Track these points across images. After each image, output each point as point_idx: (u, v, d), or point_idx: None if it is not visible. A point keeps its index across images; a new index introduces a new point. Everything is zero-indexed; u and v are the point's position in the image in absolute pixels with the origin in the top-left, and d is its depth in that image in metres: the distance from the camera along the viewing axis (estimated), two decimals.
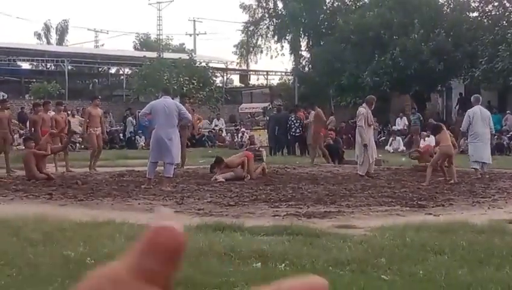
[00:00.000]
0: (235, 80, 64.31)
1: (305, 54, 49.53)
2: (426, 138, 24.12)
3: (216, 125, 41.31)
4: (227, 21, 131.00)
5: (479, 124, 18.44)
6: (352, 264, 6.85)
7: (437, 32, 37.56)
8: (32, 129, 20.92)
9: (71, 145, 27.13)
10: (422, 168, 18.34)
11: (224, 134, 40.16)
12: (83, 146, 31.03)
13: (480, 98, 19.80)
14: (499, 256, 7.26)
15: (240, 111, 46.30)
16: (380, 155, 27.29)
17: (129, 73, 52.29)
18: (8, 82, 49.80)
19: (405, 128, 37.89)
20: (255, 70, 61.89)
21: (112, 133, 36.27)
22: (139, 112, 24.40)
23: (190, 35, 67.97)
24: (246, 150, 25.35)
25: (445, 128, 17.69)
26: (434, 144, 18.47)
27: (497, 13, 38.08)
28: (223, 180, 16.67)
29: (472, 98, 19.52)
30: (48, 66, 54.69)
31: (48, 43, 77.02)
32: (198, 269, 6.53)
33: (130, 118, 38.72)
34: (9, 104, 21.71)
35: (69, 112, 27.04)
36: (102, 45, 75.23)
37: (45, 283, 5.97)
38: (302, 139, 30.27)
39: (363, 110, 18.63)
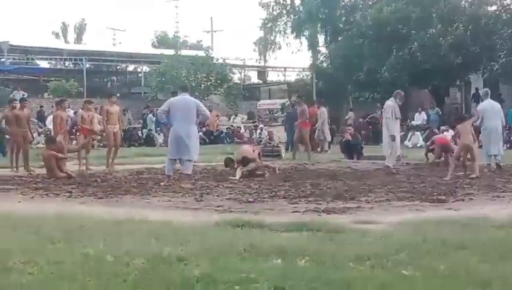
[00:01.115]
0: (253, 77, 64.32)
1: (323, 49, 49.42)
2: (445, 132, 23.99)
3: (234, 123, 41.32)
4: (245, 18, 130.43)
5: (491, 117, 18.58)
6: (372, 260, 6.82)
7: (455, 27, 37.40)
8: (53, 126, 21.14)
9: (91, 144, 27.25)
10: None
11: (242, 131, 40.15)
12: (101, 144, 31.14)
13: (489, 91, 19.86)
14: None
15: (258, 107, 46.28)
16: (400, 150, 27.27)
17: (147, 71, 52.42)
18: (27, 81, 50.06)
19: (424, 123, 37.76)
20: (273, 67, 61.85)
21: (130, 131, 36.35)
22: (157, 110, 24.48)
23: (207, 32, 68.10)
24: (263, 147, 25.40)
25: (468, 120, 17.66)
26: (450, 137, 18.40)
27: None
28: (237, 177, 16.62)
29: (481, 92, 19.59)
30: (66, 65, 54.93)
31: (66, 42, 77.34)
32: (218, 266, 6.53)
33: (150, 116, 38.76)
34: (27, 103, 21.77)
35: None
36: (120, 43, 75.44)
37: (66, 281, 5.99)
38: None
39: (390, 103, 18.81)
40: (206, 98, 43.51)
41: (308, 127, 25.13)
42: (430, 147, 21.12)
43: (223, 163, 18.45)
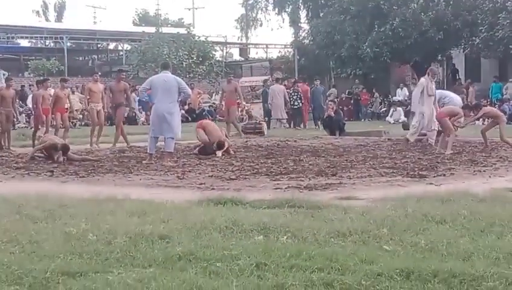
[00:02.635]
0: (235, 54, 64.15)
1: (304, 26, 49.33)
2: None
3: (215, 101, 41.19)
4: None
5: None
6: (354, 235, 6.86)
7: (436, 2, 37.43)
8: (34, 106, 21.07)
9: (71, 122, 27.12)
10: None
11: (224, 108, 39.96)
12: (83, 123, 31.04)
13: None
14: (501, 224, 7.27)
15: (239, 85, 46.15)
16: (381, 126, 27.38)
17: (128, 49, 52.17)
18: (7, 60, 49.72)
19: (406, 99, 37.81)
20: (255, 44, 61.71)
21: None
22: (139, 88, 24.39)
23: (189, 9, 67.79)
24: (245, 124, 25.39)
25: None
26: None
27: None
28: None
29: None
30: (47, 43, 54.58)
31: (47, 20, 76.80)
32: (200, 243, 6.55)
33: (134, 94, 38.53)
34: (12, 83, 21.65)
35: (69, 89, 26.96)
36: (101, 21, 74.98)
37: (48, 260, 5.98)
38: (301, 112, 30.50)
39: (423, 80, 18.86)
40: (188, 75, 43.35)
41: (235, 105, 25.25)
42: None
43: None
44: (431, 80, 18.90)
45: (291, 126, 30.02)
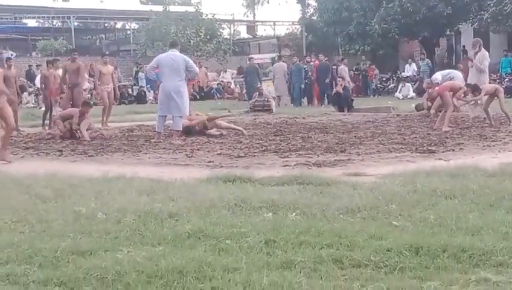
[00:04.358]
0: (243, 32, 63.95)
1: (312, 2, 49.09)
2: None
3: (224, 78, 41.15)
4: None
5: None
6: (362, 211, 6.86)
7: None
8: (43, 86, 21.11)
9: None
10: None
11: (233, 86, 39.98)
12: (92, 102, 31.03)
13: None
14: (510, 199, 7.25)
15: (247, 62, 46.06)
16: (389, 102, 27.31)
17: (135, 28, 52.03)
18: (15, 40, 49.63)
19: (414, 74, 37.68)
20: (262, 21, 61.52)
21: (120, 89, 36.22)
22: (146, 67, 24.35)
23: None
24: (254, 101, 25.35)
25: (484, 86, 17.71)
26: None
27: None
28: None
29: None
30: (54, 23, 54.46)
31: (54, 0, 76.62)
32: (209, 221, 6.56)
33: (142, 74, 38.56)
34: (12, 62, 21.54)
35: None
36: (108, 0, 74.73)
37: (57, 239, 6.00)
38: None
39: (487, 54, 18.93)
40: (195, 54, 43.26)
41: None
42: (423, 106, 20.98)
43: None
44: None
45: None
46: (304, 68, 30.82)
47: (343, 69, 30.74)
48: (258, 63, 38.83)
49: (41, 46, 45.47)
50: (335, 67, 31.48)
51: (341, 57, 38.40)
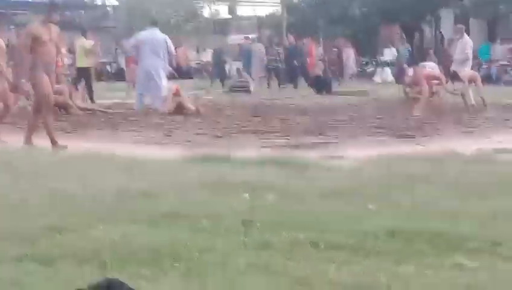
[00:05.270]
0: (223, 12, 63.60)
1: None
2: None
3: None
4: None
5: None
6: (339, 194, 6.86)
7: None
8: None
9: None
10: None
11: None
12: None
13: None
14: (486, 185, 7.29)
15: (228, 42, 45.87)
16: (367, 86, 27.35)
17: (116, 5, 51.68)
18: None
19: (393, 58, 37.69)
20: (243, 1, 61.22)
21: (99, 66, 35.94)
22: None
23: None
24: (234, 82, 25.29)
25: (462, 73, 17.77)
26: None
27: None
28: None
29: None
30: None
31: None
32: (186, 200, 6.54)
33: (120, 51, 38.26)
34: None
35: None
36: None
37: (33, 215, 5.97)
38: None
39: (470, 41, 18.99)
40: (175, 32, 43.03)
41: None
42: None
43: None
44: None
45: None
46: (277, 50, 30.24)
47: (348, 53, 30.02)
48: (238, 44, 38.69)
49: (19, 21, 45.05)
50: (336, 49, 31.17)
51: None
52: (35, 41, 10.36)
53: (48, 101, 10.71)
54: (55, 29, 10.78)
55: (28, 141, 10.84)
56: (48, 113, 10.82)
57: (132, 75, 20.61)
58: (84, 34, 21.62)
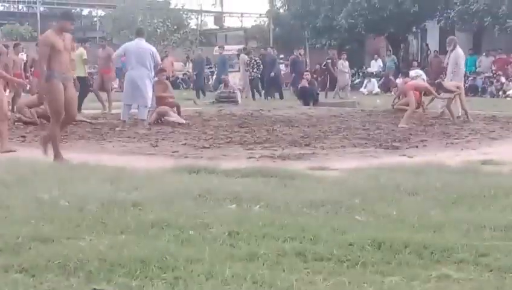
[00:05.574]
0: (210, 22, 63.79)
1: None
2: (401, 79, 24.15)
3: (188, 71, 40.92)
4: None
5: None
6: (326, 206, 6.87)
7: None
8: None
9: None
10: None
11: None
12: None
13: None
14: (472, 196, 7.32)
15: (214, 53, 45.93)
16: (354, 97, 27.44)
17: (102, 15, 51.72)
18: None
19: (380, 70, 37.89)
20: (230, 12, 61.43)
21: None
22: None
23: None
24: (220, 92, 25.27)
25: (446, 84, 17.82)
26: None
27: None
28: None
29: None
30: (20, 8, 53.95)
31: None
32: (173, 211, 6.53)
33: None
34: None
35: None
36: None
37: (19, 225, 5.94)
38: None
39: (462, 53, 19.08)
40: (162, 43, 43.08)
41: (110, 73, 23.22)
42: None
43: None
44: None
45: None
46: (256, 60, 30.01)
47: (343, 64, 30.04)
48: (226, 54, 38.72)
49: (5, 30, 45.01)
50: (329, 60, 31.19)
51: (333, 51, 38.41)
52: (52, 50, 10.28)
53: (59, 112, 10.49)
54: (68, 37, 10.71)
55: (58, 156, 10.59)
56: (56, 125, 10.65)
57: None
58: (83, 43, 21.62)
